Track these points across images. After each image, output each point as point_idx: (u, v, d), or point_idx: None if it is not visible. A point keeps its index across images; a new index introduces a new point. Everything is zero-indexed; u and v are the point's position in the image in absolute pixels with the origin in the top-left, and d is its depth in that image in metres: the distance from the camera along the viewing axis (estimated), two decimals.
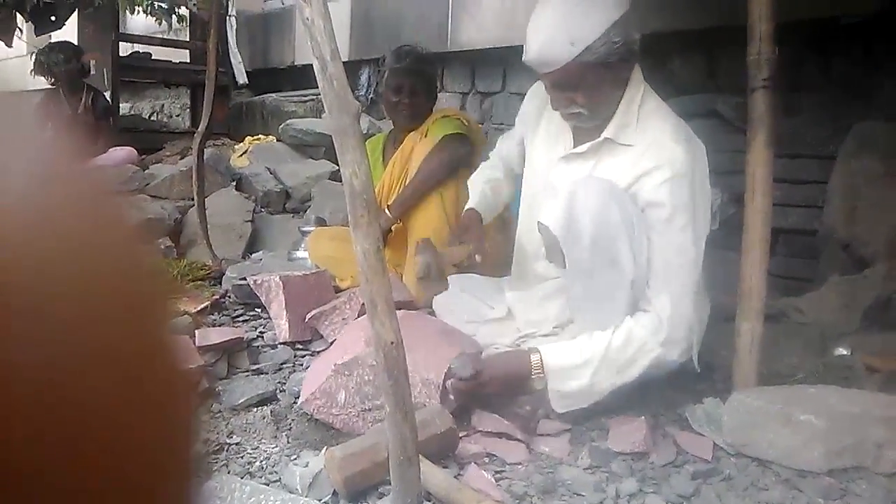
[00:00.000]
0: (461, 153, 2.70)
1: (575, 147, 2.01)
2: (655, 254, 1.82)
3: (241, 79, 6.13)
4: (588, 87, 1.83)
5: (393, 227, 2.77)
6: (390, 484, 1.39)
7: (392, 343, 1.28)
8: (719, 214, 3.09)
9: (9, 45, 5.31)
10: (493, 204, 2.31)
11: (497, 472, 1.60)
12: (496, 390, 1.82)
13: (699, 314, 1.96)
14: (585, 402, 1.81)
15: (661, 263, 1.83)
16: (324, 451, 1.63)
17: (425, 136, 2.84)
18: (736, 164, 3.10)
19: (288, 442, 1.78)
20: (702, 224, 1.88)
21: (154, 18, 5.18)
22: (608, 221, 1.76)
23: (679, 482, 1.55)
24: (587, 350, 1.80)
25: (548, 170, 2.08)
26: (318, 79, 1.23)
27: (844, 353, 2.15)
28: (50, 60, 5.05)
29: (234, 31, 6.08)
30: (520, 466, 1.64)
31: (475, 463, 1.62)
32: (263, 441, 1.79)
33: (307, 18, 1.20)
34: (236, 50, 6.11)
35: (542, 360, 1.82)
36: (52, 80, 5.15)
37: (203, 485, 0.26)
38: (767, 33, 1.74)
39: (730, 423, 1.68)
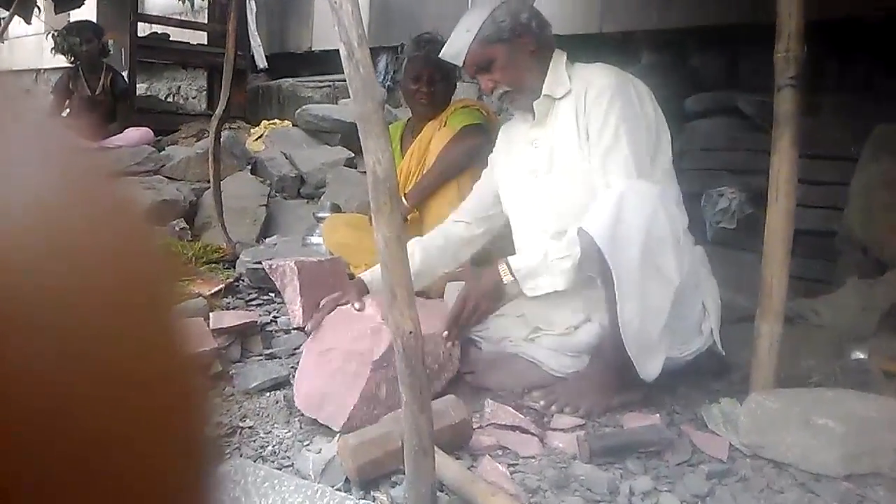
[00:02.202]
0: (479, 144, 2.68)
1: (531, 129, 2.15)
2: (597, 157, 1.95)
3: (261, 62, 6.11)
4: (499, 65, 2.05)
5: (409, 216, 2.76)
6: (403, 473, 1.39)
7: (410, 333, 1.27)
8: (737, 214, 3.08)
9: (28, 22, 5.30)
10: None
11: (510, 465, 1.59)
12: (485, 308, 1.97)
13: (710, 293, 2.00)
14: (549, 287, 1.91)
15: (601, 163, 1.95)
16: (337, 437, 1.63)
17: (444, 125, 2.82)
18: (755, 163, 3.09)
19: (301, 427, 1.78)
20: (638, 128, 1.97)
21: None
22: (656, 229, 1.77)
23: (694, 482, 1.54)
24: (550, 255, 1.93)
25: (521, 162, 2.17)
26: (343, 64, 1.22)
27: (861, 356, 2.14)
28: (71, 39, 5.04)
29: (255, 15, 6.06)
30: (533, 460, 1.63)
31: (489, 455, 1.61)
32: (276, 426, 1.79)
33: (335, 2, 1.19)
34: (256, 33, 6.09)
35: (508, 265, 1.95)
36: (73, 58, 5.14)
37: (216, 474, 0.25)
38: (797, 31, 1.71)
39: (747, 423, 1.66)
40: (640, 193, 1.80)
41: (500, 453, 1.66)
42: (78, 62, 5.12)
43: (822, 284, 2.73)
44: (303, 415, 1.83)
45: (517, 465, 1.61)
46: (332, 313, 2.00)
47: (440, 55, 2.18)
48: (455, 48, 2.09)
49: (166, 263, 0.25)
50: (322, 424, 1.78)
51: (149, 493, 0.22)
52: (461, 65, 2.12)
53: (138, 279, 0.23)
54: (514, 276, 1.93)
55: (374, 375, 1.78)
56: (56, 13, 5.79)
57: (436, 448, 1.36)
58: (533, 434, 1.72)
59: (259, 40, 6.14)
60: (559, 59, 2.11)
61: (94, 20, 5.63)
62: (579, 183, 1.99)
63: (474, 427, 1.70)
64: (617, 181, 1.89)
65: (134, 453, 0.21)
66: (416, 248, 2.16)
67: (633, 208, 1.76)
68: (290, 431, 1.76)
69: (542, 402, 1.87)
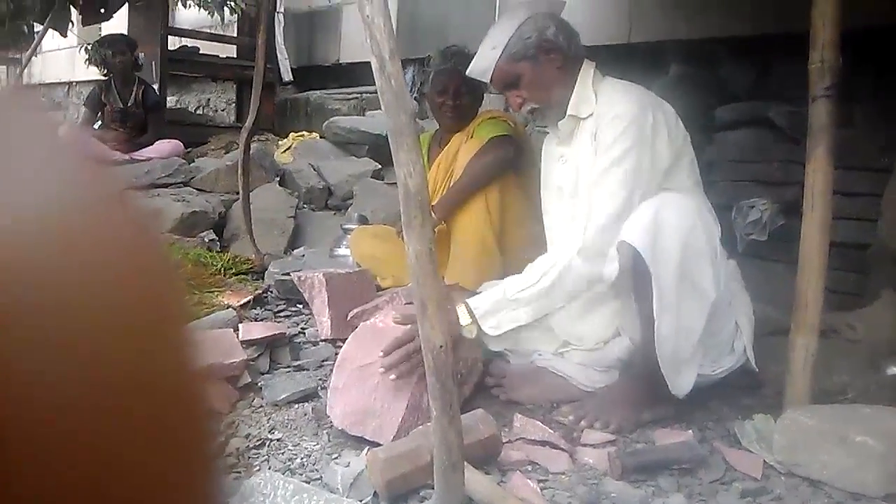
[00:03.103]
0: (507, 155, 2.68)
1: (558, 145, 2.14)
2: (592, 177, 1.94)
3: (287, 76, 6.17)
4: (526, 81, 2.04)
5: (436, 228, 2.75)
6: (433, 488, 1.38)
7: (441, 347, 1.26)
8: (769, 225, 3.04)
9: (64, 35, 5.40)
10: None
11: (540, 481, 1.58)
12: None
13: (743, 309, 1.96)
14: (510, 322, 1.89)
15: (593, 184, 1.93)
16: (365, 451, 1.63)
17: (471, 136, 2.82)
18: (788, 175, 3.06)
19: (329, 440, 1.78)
20: (644, 166, 1.92)
21: (206, 12, 5.25)
22: (694, 242, 1.76)
23: (727, 500, 1.52)
24: (509, 290, 1.91)
25: (552, 177, 2.18)
26: (375, 77, 1.22)
27: None
28: (104, 52, 5.12)
29: (282, 29, 6.12)
30: (563, 476, 1.61)
31: (519, 471, 1.60)
32: (304, 438, 1.79)
33: (367, 16, 1.19)
34: (283, 47, 6.15)
35: (467, 306, 1.89)
36: (105, 71, 5.22)
37: (221, 482, 0.25)
38: (832, 40, 1.69)
39: (781, 441, 1.63)
40: (677, 205, 1.78)
41: (530, 469, 1.64)
42: (110, 75, 5.20)
43: (856, 298, 2.68)
44: (331, 427, 1.82)
45: (547, 480, 1.59)
46: (359, 329, 1.98)
47: (467, 72, 2.17)
48: (482, 65, 2.08)
49: (171, 270, 0.25)
50: (351, 436, 1.77)
51: (150, 499, 0.22)
52: (488, 82, 2.11)
53: (143, 288, 0.23)
54: (472, 317, 1.88)
55: (417, 386, 1.77)
56: (84, 25, 5.88)
57: (465, 463, 1.35)
58: (563, 449, 1.70)
59: (286, 54, 6.20)
60: (587, 72, 2.08)
61: (126, 33, 5.72)
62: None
63: (503, 442, 1.69)
64: (601, 206, 1.89)
65: (136, 461, 0.22)
66: None
67: (672, 220, 1.74)
68: (318, 444, 1.75)
69: (571, 417, 1.86)
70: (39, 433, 0.19)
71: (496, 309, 1.88)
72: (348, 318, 2.31)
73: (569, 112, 2.05)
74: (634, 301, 1.84)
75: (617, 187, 1.89)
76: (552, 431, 1.75)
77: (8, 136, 0.23)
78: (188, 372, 0.24)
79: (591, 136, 2.00)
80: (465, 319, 1.88)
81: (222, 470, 0.26)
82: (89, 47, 5.32)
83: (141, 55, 5.31)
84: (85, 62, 5.31)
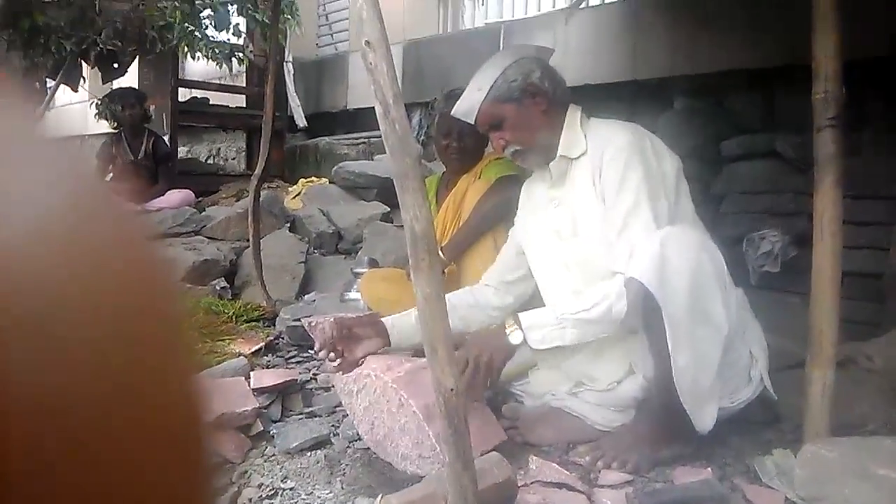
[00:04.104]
0: (514, 195, 2.68)
1: (549, 188, 2.13)
2: (616, 220, 1.91)
3: (301, 122, 6.25)
4: (510, 124, 2.05)
5: (446, 270, 2.75)
6: None
7: (452, 390, 1.25)
8: (781, 257, 3.02)
9: (75, 90, 5.50)
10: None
11: None
12: (492, 360, 1.87)
13: (756, 337, 1.95)
14: (556, 339, 1.87)
15: (620, 225, 1.90)
16: (379, 498, 1.60)
17: (478, 177, 2.83)
18: (797, 206, 3.05)
19: (342, 487, 1.76)
20: (658, 188, 1.92)
21: (215, 63, 5.35)
22: (702, 273, 1.75)
23: None
24: (560, 310, 1.90)
25: (544, 222, 2.14)
26: (380, 122, 1.23)
27: None
28: (114, 106, 5.21)
29: (293, 77, 6.22)
30: None
31: None
32: (317, 486, 1.77)
33: (370, 63, 1.21)
34: (295, 94, 6.23)
35: (516, 318, 1.90)
36: (116, 124, 5.30)
37: (215, 488, 0.26)
38: (834, 71, 1.69)
39: (802, 475, 1.60)
40: (681, 238, 1.78)
41: None
42: (121, 128, 5.27)
43: (872, 327, 2.65)
44: (344, 474, 1.81)
45: None
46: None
47: (452, 112, 2.18)
48: (466, 106, 2.09)
49: (167, 277, 0.26)
50: (364, 482, 1.76)
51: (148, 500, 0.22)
52: (473, 122, 2.11)
53: (157, 332, 0.24)
54: (520, 327, 1.88)
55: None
56: (103, 83, 6.00)
57: None
58: (580, 491, 1.67)
59: (298, 101, 6.27)
60: (574, 115, 2.09)
61: (136, 87, 5.82)
62: (604, 245, 1.95)
63: (519, 485, 1.66)
64: (640, 242, 1.85)
65: (134, 467, 0.22)
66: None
67: (678, 253, 1.73)
68: (331, 492, 1.73)
69: (587, 458, 1.83)
70: (38, 438, 0.20)
71: (543, 324, 1.88)
72: (360, 362, 2.29)
73: (560, 153, 2.05)
74: (646, 338, 1.82)
75: (646, 224, 1.87)
76: (569, 473, 1.73)
77: (28, 165, 0.23)
78: (188, 382, 0.24)
79: (588, 175, 1.99)
80: (511, 329, 1.89)
81: (218, 479, 0.27)
82: (99, 102, 5.41)
83: (151, 107, 5.39)
84: (95, 116, 5.40)
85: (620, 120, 2.11)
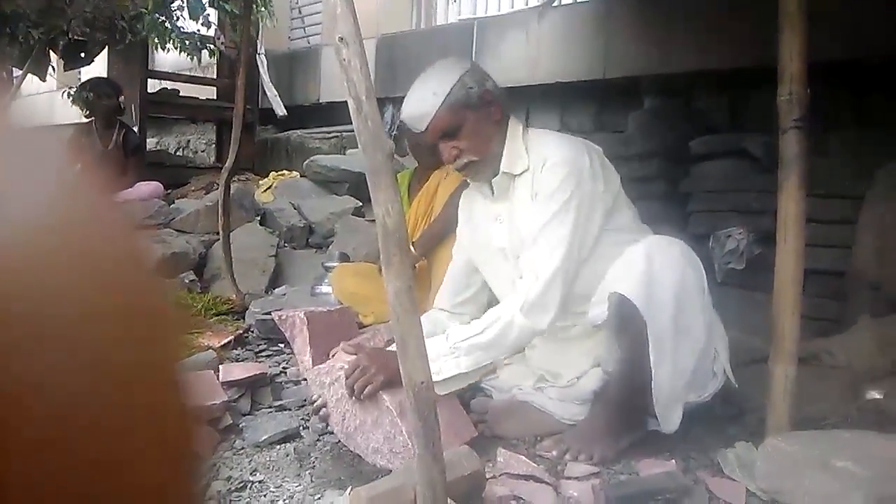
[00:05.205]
0: None
1: (493, 203, 2.08)
2: (532, 230, 1.91)
3: (280, 111, 6.18)
4: (466, 132, 1.95)
5: (417, 265, 2.76)
6: None
7: (422, 383, 1.26)
8: (746, 254, 3.07)
9: (43, 79, 5.41)
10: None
11: None
12: (372, 379, 1.85)
13: (718, 332, 1.96)
14: (452, 369, 1.86)
15: (534, 239, 1.90)
16: (348, 490, 1.61)
17: (450, 173, 2.85)
18: (763, 204, 3.10)
19: (311, 480, 1.76)
20: (590, 204, 1.92)
21: (186, 54, 5.30)
22: (686, 289, 1.78)
23: None
24: (452, 338, 1.89)
25: (489, 238, 2.11)
26: (353, 118, 1.23)
27: (877, 397, 2.11)
28: (90, 95, 5.13)
29: (266, 68, 6.17)
30: None
31: None
32: (287, 479, 1.77)
33: (344, 59, 1.21)
34: (271, 84, 6.17)
35: None
36: (88, 113, 5.23)
37: (201, 485, 0.26)
38: (799, 73, 1.73)
39: (764, 468, 1.64)
40: (667, 252, 1.80)
41: (514, 503, 1.63)
42: (92, 118, 5.20)
43: (834, 324, 2.71)
44: (314, 468, 1.81)
45: None
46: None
47: (401, 118, 2.06)
48: (420, 111, 1.96)
49: (173, 311, 0.26)
50: (333, 476, 1.76)
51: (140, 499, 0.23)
52: (422, 129, 1.98)
53: (144, 324, 0.24)
54: None
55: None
56: (65, 70, 5.90)
57: (449, 500, 1.34)
58: (547, 483, 1.69)
59: (275, 91, 6.22)
60: (515, 128, 2.03)
61: (109, 77, 5.74)
62: None
63: (488, 477, 1.68)
64: (546, 260, 1.87)
65: (126, 461, 0.22)
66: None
67: (664, 268, 1.76)
68: (300, 485, 1.74)
69: (554, 453, 1.85)
70: (35, 434, 0.20)
71: (436, 356, 1.82)
72: (330, 356, 2.30)
73: (502, 169, 2.00)
74: (618, 344, 1.84)
75: (557, 242, 1.87)
76: (536, 465, 1.75)
77: (16, 162, 0.23)
78: (177, 378, 0.25)
79: (528, 191, 1.96)
80: None
81: (205, 475, 0.27)
82: (72, 90, 5.33)
83: (122, 99, 5.32)
84: (69, 99, 5.31)
85: (561, 132, 2.12)
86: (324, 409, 1.97)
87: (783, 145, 1.75)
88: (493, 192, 2.05)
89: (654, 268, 1.75)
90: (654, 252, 1.78)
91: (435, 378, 1.82)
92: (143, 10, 4.57)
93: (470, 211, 2.20)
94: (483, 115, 1.97)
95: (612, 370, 1.90)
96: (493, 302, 2.17)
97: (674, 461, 1.78)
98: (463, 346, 1.86)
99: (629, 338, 1.79)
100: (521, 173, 1.99)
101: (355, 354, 1.94)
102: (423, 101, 1.96)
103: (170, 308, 0.26)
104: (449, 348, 1.86)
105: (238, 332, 2.77)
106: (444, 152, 2.00)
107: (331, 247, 4.04)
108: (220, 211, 3.31)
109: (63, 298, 0.21)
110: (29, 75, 5.43)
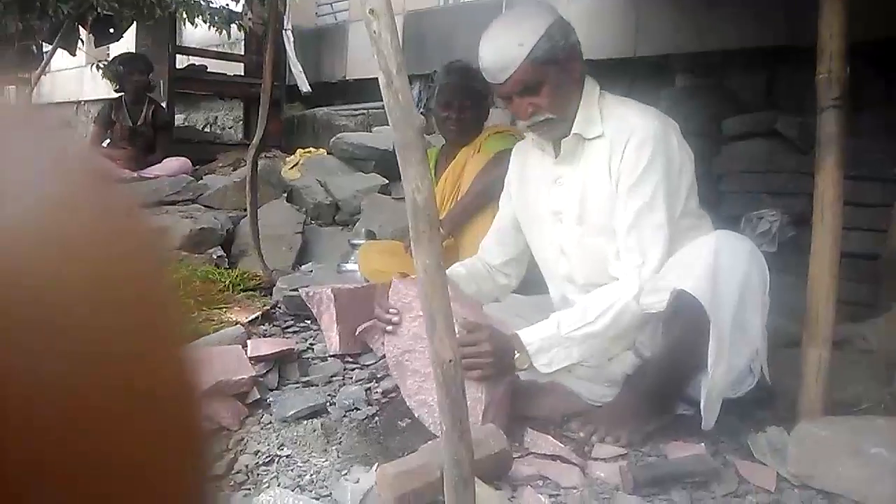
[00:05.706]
0: None
1: (554, 164, 2.00)
2: (627, 213, 1.84)
3: (304, 87, 6.17)
4: (548, 88, 1.85)
5: (444, 243, 2.75)
6: None
7: (450, 361, 1.25)
8: (778, 236, 3.02)
9: (73, 54, 5.46)
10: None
11: (551, 496, 1.56)
12: (486, 371, 1.79)
13: (762, 332, 1.91)
14: (564, 360, 1.81)
15: (630, 221, 1.84)
16: (375, 467, 1.62)
17: (478, 151, 2.83)
18: (797, 186, 3.05)
19: (338, 456, 1.77)
20: (676, 187, 1.88)
21: (214, 29, 5.30)
22: (749, 290, 1.75)
23: None
24: (563, 327, 1.82)
25: (544, 200, 2.04)
26: (383, 93, 1.21)
27: None
28: (120, 69, 5.16)
29: (293, 44, 6.15)
30: (574, 490, 1.60)
31: (530, 486, 1.59)
32: (314, 454, 1.78)
33: (374, 32, 1.19)
34: (297, 60, 6.16)
35: (519, 339, 1.81)
36: (118, 88, 5.26)
37: (213, 480, 0.26)
38: (839, 51, 1.68)
39: (795, 453, 1.62)
40: (734, 249, 1.77)
41: (541, 483, 1.63)
42: (122, 93, 5.23)
43: (868, 308, 2.66)
44: (340, 443, 1.82)
45: (558, 495, 1.58)
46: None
47: (481, 66, 1.92)
48: (502, 62, 1.83)
49: (176, 295, 0.26)
50: (360, 452, 1.77)
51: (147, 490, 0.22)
52: (501, 81, 1.86)
53: (147, 306, 0.24)
54: (525, 350, 1.80)
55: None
56: (96, 46, 5.93)
57: (476, 478, 1.34)
58: (574, 464, 1.68)
59: (300, 67, 6.21)
60: (592, 90, 1.94)
61: (134, 52, 5.77)
62: (609, 236, 1.90)
63: (514, 456, 1.67)
64: (650, 246, 1.82)
65: (132, 462, 0.22)
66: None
67: (730, 267, 1.73)
68: (327, 460, 1.74)
69: (581, 434, 1.84)
70: (37, 435, 0.20)
71: (549, 346, 1.80)
72: (357, 333, 2.30)
73: (574, 130, 1.91)
74: (669, 334, 1.81)
75: (657, 227, 1.83)
76: (563, 446, 1.74)
77: (15, 148, 0.23)
78: (185, 376, 0.24)
79: (605, 159, 1.88)
80: (516, 353, 1.81)
81: (216, 477, 0.26)
82: (104, 64, 5.37)
83: (152, 76, 5.35)
84: (101, 74, 5.35)
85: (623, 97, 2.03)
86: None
87: (821, 125, 1.72)
88: (555, 153, 1.98)
89: (720, 264, 1.71)
90: (721, 249, 1.74)
91: (545, 370, 1.82)
92: None
93: (523, 166, 2.12)
94: (565, 72, 1.87)
95: (650, 356, 1.87)
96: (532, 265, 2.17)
97: (703, 444, 1.76)
98: (576, 336, 1.80)
99: (686, 331, 1.74)
100: (594, 139, 1.91)
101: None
102: (507, 51, 1.83)
103: (174, 293, 0.25)
104: (562, 338, 1.81)
105: (265, 307, 2.78)
106: (518, 107, 1.90)
107: (357, 224, 4.04)
108: (247, 187, 3.32)
109: (61, 285, 0.21)
110: (59, 50, 5.47)
